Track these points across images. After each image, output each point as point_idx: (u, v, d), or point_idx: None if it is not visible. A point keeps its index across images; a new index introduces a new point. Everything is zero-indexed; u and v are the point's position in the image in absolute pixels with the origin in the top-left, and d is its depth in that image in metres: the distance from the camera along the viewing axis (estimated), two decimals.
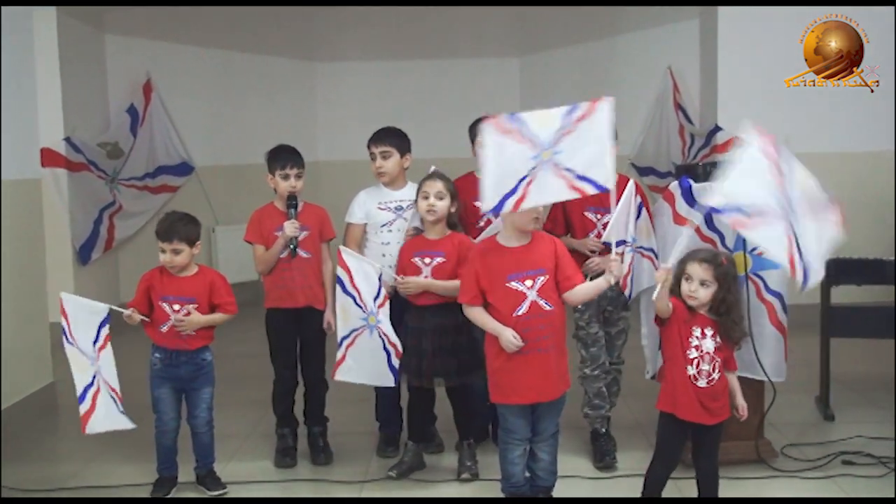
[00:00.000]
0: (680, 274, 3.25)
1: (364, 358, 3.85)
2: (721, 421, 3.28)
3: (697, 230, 3.85)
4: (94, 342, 3.60)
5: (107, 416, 3.68)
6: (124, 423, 3.71)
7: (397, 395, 4.36)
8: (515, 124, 3.03)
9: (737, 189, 2.96)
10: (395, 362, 3.84)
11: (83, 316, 3.61)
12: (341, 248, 3.88)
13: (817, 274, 3.07)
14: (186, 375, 3.82)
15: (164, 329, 3.78)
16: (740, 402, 3.36)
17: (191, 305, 3.77)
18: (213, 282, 3.85)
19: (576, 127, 3.03)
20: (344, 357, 3.83)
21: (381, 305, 3.78)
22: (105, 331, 3.61)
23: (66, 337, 3.62)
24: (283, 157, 4.19)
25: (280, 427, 4.34)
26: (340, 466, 4.22)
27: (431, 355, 3.87)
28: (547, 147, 3.04)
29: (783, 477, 3.94)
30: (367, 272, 3.80)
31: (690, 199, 3.87)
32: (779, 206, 2.99)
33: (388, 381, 3.88)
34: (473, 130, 4.31)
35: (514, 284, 3.34)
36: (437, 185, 3.89)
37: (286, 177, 4.16)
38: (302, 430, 4.38)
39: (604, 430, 4.23)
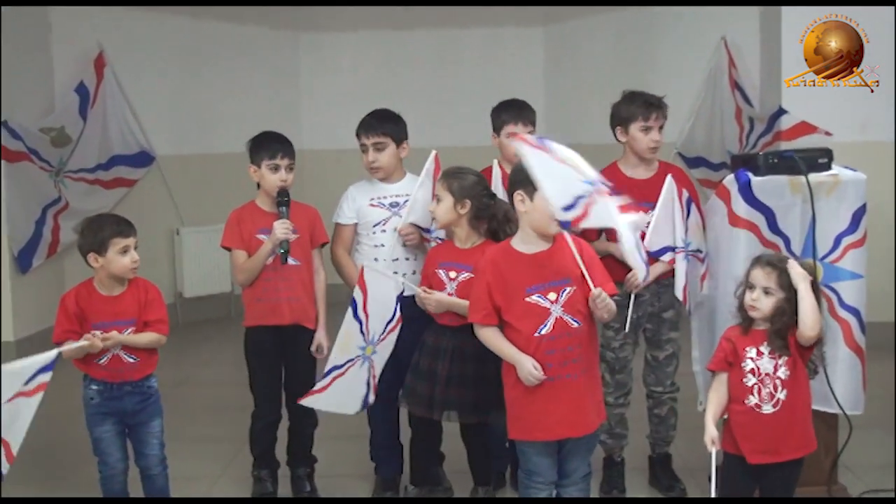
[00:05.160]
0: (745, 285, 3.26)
1: (343, 388, 3.83)
2: (795, 458, 3.25)
3: (758, 233, 3.87)
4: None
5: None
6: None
7: (396, 430, 4.35)
8: (545, 145, 3.12)
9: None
10: (371, 398, 3.90)
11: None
12: (365, 265, 3.87)
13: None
14: (132, 408, 3.78)
15: (104, 361, 3.70)
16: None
17: (130, 329, 3.73)
18: (149, 297, 3.81)
19: None
20: (326, 387, 3.80)
21: (391, 331, 3.79)
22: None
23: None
24: (273, 145, 4.18)
25: (257, 468, 4.33)
26: None
27: (445, 383, 3.84)
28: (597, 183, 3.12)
29: None
30: (385, 292, 3.78)
31: (750, 195, 3.85)
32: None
33: (352, 410, 3.93)
34: (496, 116, 4.36)
35: (535, 298, 3.30)
36: (438, 186, 3.91)
37: (275, 168, 4.14)
38: (283, 471, 4.36)
39: (619, 458, 4.34)
